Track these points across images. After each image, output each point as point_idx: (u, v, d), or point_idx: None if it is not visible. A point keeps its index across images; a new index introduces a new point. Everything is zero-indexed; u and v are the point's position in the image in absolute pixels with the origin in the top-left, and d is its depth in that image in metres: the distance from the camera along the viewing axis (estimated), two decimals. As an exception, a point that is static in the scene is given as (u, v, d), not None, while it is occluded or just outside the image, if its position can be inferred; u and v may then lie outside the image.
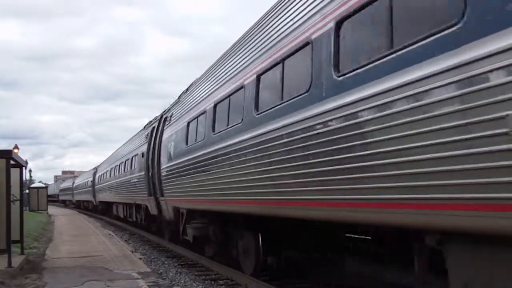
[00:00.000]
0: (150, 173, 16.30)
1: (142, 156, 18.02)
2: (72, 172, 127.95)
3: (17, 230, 11.67)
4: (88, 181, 42.90)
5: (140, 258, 13.01)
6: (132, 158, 20.95)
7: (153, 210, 16.45)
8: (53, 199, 79.53)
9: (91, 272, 10.43)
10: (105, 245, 15.80)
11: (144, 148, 17.93)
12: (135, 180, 19.51)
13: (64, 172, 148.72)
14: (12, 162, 11.14)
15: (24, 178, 14.78)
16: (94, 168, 42.01)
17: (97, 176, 36.96)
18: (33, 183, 55.67)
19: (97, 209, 38.64)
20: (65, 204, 70.80)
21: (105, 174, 31.63)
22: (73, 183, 58.63)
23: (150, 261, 13.18)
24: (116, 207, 28.30)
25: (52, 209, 47.29)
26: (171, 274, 11.17)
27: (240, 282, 9.52)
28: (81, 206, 52.15)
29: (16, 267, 10.40)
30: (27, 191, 38.55)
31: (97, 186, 36.06)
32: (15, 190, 11.66)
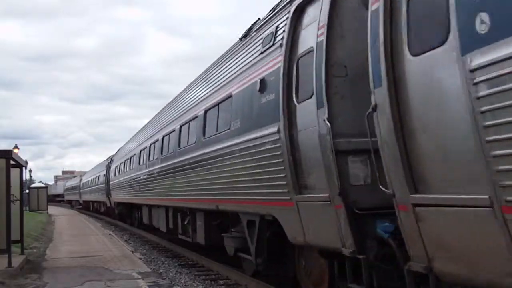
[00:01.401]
0: None
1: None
2: (72, 172, 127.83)
3: (17, 230, 11.69)
4: (99, 176, 33.89)
5: (140, 258, 13.03)
6: (218, 105, 9.54)
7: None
8: (60, 200, 74.46)
9: (91, 272, 10.43)
10: (105, 245, 15.80)
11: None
12: (236, 153, 8.16)
13: (64, 172, 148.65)
14: (12, 162, 11.15)
15: (24, 178, 14.80)
16: (108, 158, 32.37)
17: (112, 168, 27.68)
18: (33, 183, 55.64)
19: (113, 212, 29.53)
20: (71, 205, 63.16)
21: (128, 162, 21.72)
22: (80, 180, 50.43)
23: (150, 261, 13.17)
24: (148, 212, 17.72)
25: (52, 209, 47.29)
26: (171, 274, 11.17)
27: (240, 282, 9.51)
28: (91, 208, 43.03)
29: (16, 267, 10.41)
30: (27, 191, 38.58)
31: (113, 182, 26.79)
32: (15, 190, 11.68)
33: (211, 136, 9.73)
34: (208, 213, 10.50)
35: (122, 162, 23.57)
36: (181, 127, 12.48)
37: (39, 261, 12.32)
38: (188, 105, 12.22)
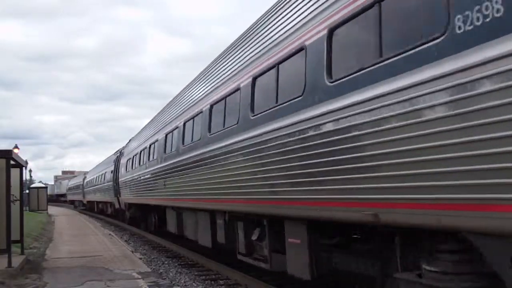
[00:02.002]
0: None
1: None
2: (72, 172, 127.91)
3: (17, 230, 11.68)
4: (105, 172, 29.63)
5: (140, 258, 13.03)
6: None
7: None
8: (65, 200, 71.61)
9: (91, 272, 10.44)
10: (105, 245, 15.80)
11: None
12: None
13: (64, 172, 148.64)
14: (12, 162, 11.15)
15: (24, 178, 14.80)
16: (117, 151, 27.53)
17: (123, 162, 22.99)
18: (33, 183, 55.69)
19: (123, 215, 25.00)
20: (74, 205, 59.67)
21: (145, 152, 16.94)
22: (84, 178, 46.12)
23: (150, 261, 13.18)
24: (175, 218, 13.74)
25: (53, 209, 47.28)
26: (171, 274, 11.18)
27: (240, 282, 9.52)
28: (95, 209, 38.85)
29: (16, 267, 10.40)
30: (27, 191, 38.58)
31: (123, 179, 22.17)
32: (15, 190, 11.68)
33: (339, 79, 5.20)
34: (313, 226, 6.33)
35: (137, 154, 18.44)
36: (256, 81, 7.57)
37: (39, 261, 12.32)
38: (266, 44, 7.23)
